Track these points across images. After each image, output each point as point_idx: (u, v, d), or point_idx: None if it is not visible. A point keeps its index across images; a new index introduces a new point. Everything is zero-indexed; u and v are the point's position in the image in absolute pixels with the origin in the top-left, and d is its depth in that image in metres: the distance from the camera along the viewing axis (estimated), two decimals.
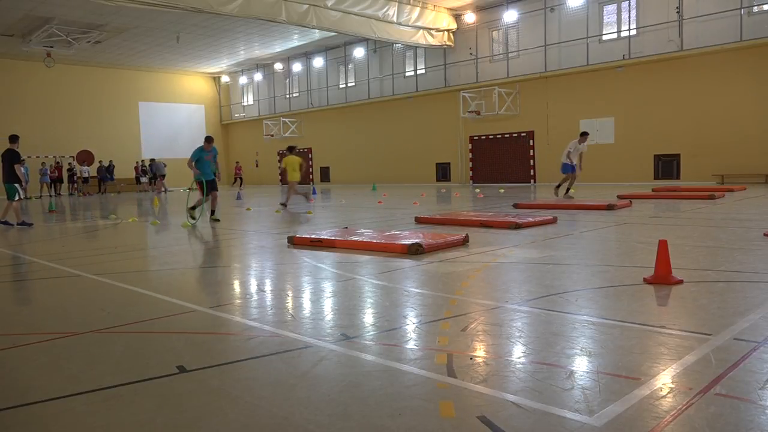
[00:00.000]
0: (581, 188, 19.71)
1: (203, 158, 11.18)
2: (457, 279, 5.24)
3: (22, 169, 12.55)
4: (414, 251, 6.51)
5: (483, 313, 4.03)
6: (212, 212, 11.71)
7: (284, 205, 14.87)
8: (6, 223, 12.25)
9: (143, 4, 18.02)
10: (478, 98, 25.57)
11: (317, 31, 26.05)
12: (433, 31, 25.74)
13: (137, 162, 33.92)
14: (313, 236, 7.79)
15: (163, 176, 32.16)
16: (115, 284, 5.59)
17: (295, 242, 7.78)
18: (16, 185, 12.13)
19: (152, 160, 33.13)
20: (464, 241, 7.18)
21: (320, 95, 33.70)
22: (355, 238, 7.40)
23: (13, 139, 12.14)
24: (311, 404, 2.59)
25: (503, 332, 3.55)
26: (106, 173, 32.23)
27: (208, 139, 11.57)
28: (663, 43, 20.50)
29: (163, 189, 31.22)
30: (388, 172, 29.71)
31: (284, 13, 20.53)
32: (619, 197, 13.63)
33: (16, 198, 12.19)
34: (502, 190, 20.55)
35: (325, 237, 7.66)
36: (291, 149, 15.53)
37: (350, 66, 31.92)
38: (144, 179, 32.95)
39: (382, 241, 7.11)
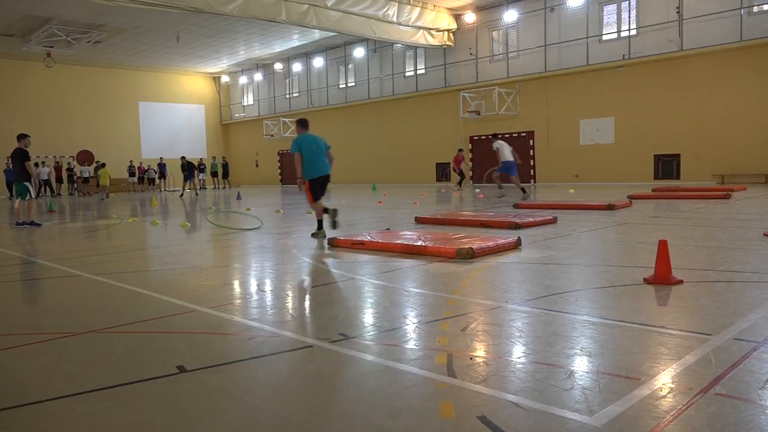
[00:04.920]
0: (583, 188, 19.69)
1: (312, 150, 8.39)
2: (457, 279, 5.24)
3: (35, 168, 12.36)
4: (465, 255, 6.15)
5: (483, 313, 4.03)
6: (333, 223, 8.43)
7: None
8: (33, 223, 12.04)
9: (143, 4, 18.02)
10: (478, 98, 25.55)
11: (317, 31, 26.05)
12: (433, 31, 25.73)
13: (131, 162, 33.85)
14: (354, 239, 7.38)
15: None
16: (114, 284, 5.59)
17: (335, 244, 7.42)
18: (26, 184, 12.07)
19: (161, 159, 33.71)
20: (516, 245, 6.77)
21: (320, 95, 33.68)
22: (401, 241, 6.97)
23: (21, 137, 11.99)
24: (311, 404, 2.59)
25: (503, 332, 3.55)
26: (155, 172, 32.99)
27: (302, 123, 8.66)
28: (663, 43, 20.49)
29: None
30: (388, 172, 29.68)
31: (284, 13, 20.52)
32: (630, 197, 13.61)
33: (27, 197, 12.15)
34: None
35: (368, 239, 7.24)
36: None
37: (350, 66, 31.90)
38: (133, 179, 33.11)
39: (430, 244, 6.66)
